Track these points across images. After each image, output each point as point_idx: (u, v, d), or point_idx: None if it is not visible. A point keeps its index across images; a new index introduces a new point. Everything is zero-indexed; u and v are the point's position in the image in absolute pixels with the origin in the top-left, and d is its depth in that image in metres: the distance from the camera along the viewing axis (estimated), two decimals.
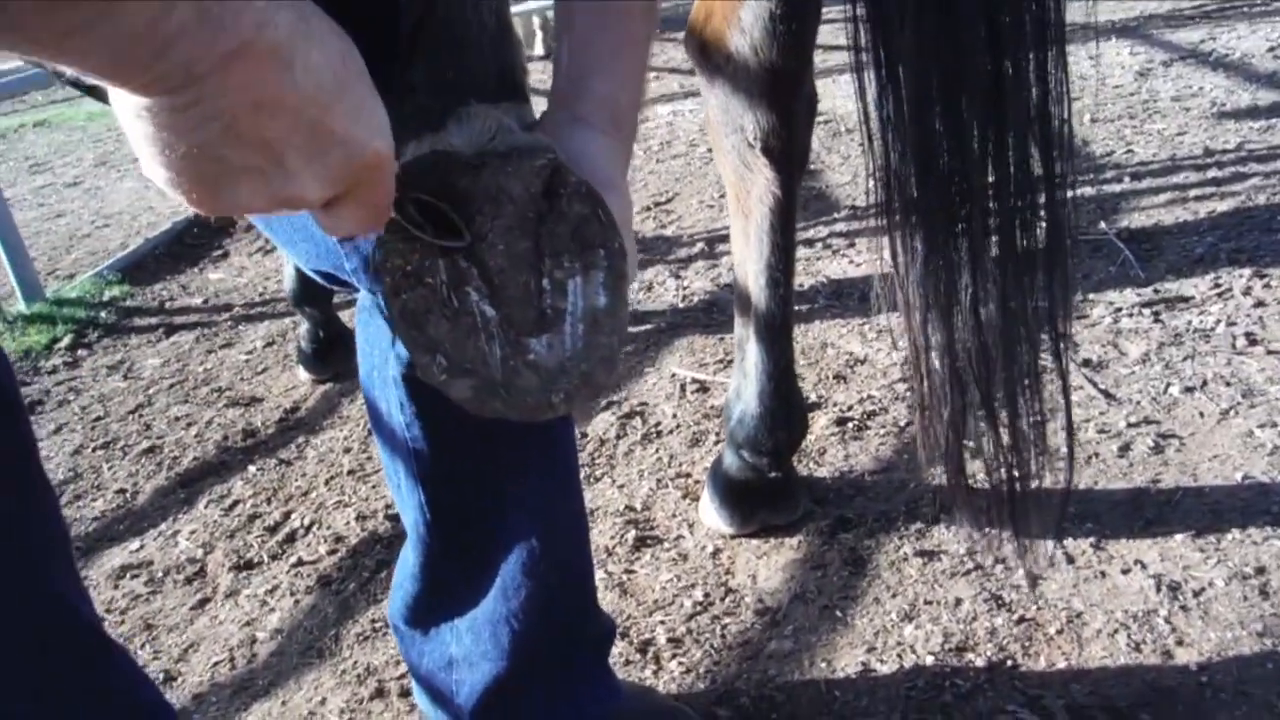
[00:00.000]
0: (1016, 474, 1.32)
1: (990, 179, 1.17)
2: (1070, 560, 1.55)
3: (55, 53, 0.46)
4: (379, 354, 1.08)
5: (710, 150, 4.01)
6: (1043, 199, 1.18)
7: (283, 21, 0.51)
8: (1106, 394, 1.98)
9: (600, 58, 0.82)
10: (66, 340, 3.03)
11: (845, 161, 3.60)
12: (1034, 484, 1.35)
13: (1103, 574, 1.52)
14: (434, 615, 1.20)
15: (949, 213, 1.19)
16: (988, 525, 1.43)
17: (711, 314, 2.63)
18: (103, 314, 3.20)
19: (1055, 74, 1.12)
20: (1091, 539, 1.59)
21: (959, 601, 1.51)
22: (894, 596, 1.54)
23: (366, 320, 1.11)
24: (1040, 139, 1.15)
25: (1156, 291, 2.36)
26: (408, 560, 1.17)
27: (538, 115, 0.84)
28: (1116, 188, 3.00)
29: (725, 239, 3.09)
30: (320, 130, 0.55)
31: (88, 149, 6.05)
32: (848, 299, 2.60)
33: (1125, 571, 1.52)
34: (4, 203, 3.28)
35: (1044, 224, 1.20)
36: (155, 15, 0.46)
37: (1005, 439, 1.30)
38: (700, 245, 3.07)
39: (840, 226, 3.06)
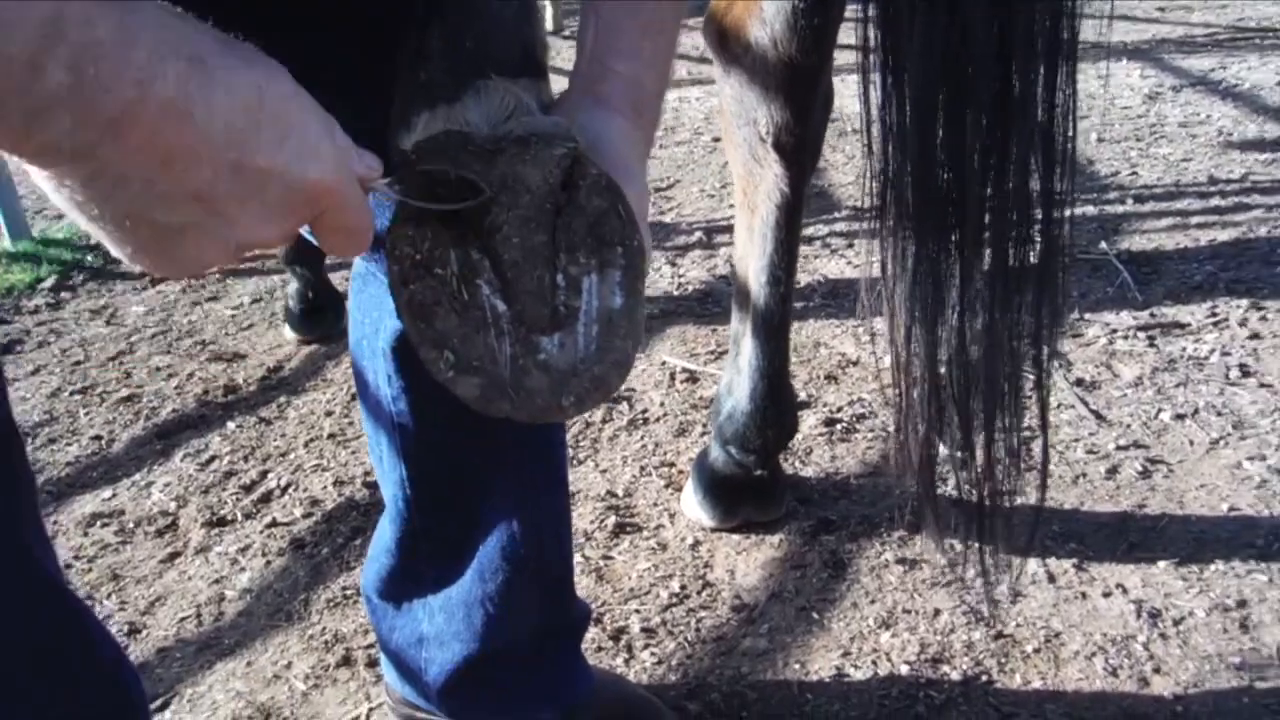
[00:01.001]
0: (988, 490, 1.31)
1: (989, 192, 1.15)
2: (1051, 579, 1.54)
3: None
4: (370, 323, 1.06)
5: (714, 140, 3.98)
6: (1040, 215, 1.17)
7: (169, 73, 0.47)
8: (1097, 415, 1.97)
9: (626, 39, 0.79)
10: (50, 281, 2.98)
11: (850, 161, 3.58)
12: (1007, 501, 1.34)
13: (1083, 595, 1.51)
14: (408, 590, 1.18)
15: (943, 222, 1.18)
16: (959, 539, 1.43)
17: (706, 304, 2.61)
18: (89, 257, 3.16)
19: (1064, 92, 1.10)
20: (1074, 560, 1.58)
21: (937, 612, 1.50)
22: (872, 603, 1.53)
23: (360, 287, 1.09)
24: (1043, 156, 1.13)
25: (1153, 316, 2.35)
26: (385, 533, 1.15)
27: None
28: (1119, 209, 2.99)
29: (724, 229, 3.07)
30: (246, 170, 0.51)
31: None
32: (843, 299, 2.58)
33: (1106, 595, 1.51)
34: None
35: (1040, 241, 1.19)
36: (23, 80, 0.43)
37: (980, 454, 1.29)
38: (699, 234, 3.05)
39: (840, 226, 3.04)
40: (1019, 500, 1.30)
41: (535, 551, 1.10)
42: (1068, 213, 1.12)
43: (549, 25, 6.00)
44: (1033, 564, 1.56)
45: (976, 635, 1.45)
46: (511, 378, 0.68)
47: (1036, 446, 1.28)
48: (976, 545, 1.40)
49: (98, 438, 2.20)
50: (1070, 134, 1.12)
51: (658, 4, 0.78)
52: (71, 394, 2.39)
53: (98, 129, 0.46)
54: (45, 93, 0.44)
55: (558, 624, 1.20)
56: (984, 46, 1.07)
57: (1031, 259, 1.17)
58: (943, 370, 1.25)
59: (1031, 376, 1.24)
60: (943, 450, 1.31)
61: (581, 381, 0.68)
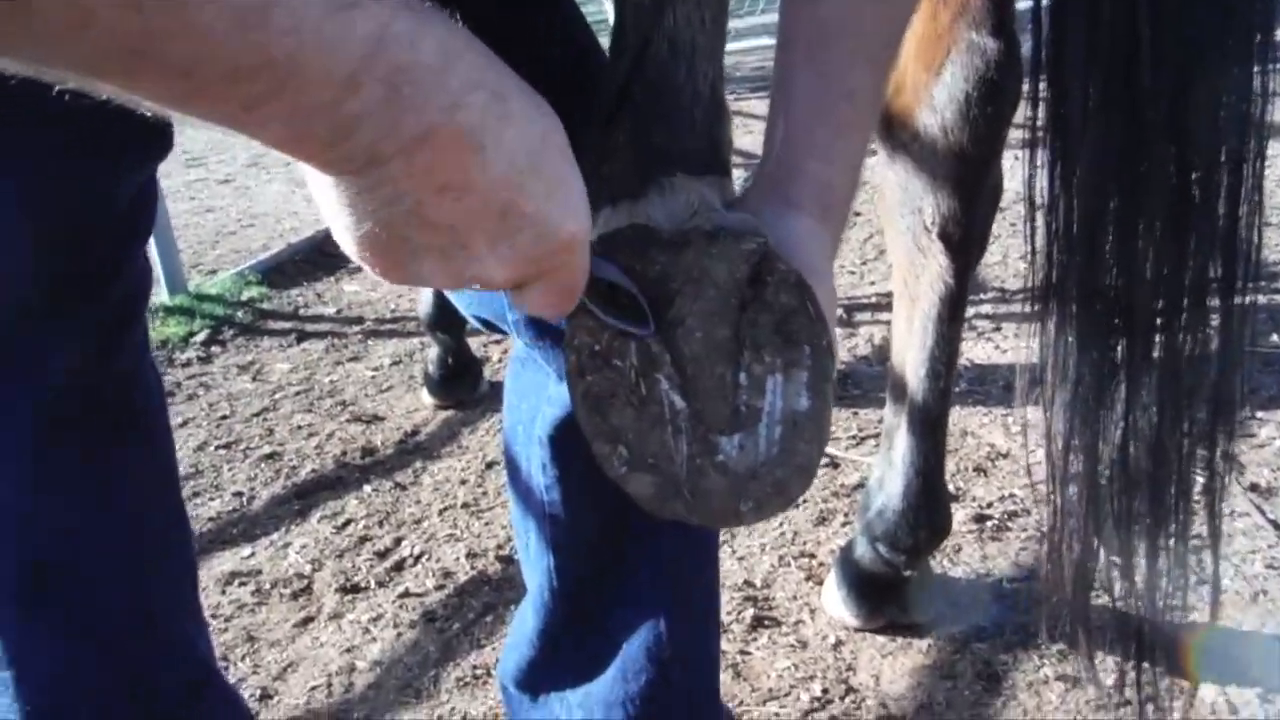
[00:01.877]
0: (1150, 605, 1.21)
1: (1160, 293, 1.08)
2: (1233, 711, 1.41)
3: (235, 123, 0.43)
4: (528, 408, 1.04)
5: (854, 214, 3.92)
6: (1217, 304, 1.08)
7: (475, 103, 0.47)
8: (1276, 525, 1.82)
9: (820, 139, 0.75)
10: (202, 335, 3.09)
11: (995, 240, 3.45)
12: (1173, 618, 1.24)
13: None
14: (547, 683, 1.14)
15: (1109, 322, 1.11)
16: (1119, 658, 1.32)
17: (846, 386, 2.53)
18: (239, 313, 3.27)
19: (1249, 196, 1.02)
20: (1257, 689, 1.44)
21: None
22: None
23: (519, 371, 1.07)
24: (1223, 262, 1.05)
25: None
26: (527, 622, 1.11)
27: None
28: None
29: (864, 308, 2.99)
30: (511, 213, 0.51)
31: (242, 148, 6.25)
32: (991, 385, 2.47)
33: None
34: (161, 195, 3.38)
35: (1214, 336, 1.10)
36: (338, 96, 0.43)
37: (1142, 563, 1.20)
38: (839, 312, 2.98)
39: (986, 309, 2.93)
40: (1187, 619, 1.20)
41: (683, 654, 1.04)
42: (1241, 302, 1.03)
43: None
44: (1211, 692, 1.43)
45: None
46: (688, 478, 0.64)
47: (1207, 557, 1.19)
48: (1138, 667, 1.30)
49: (239, 494, 2.24)
50: (1255, 241, 1.04)
51: (854, 101, 0.74)
52: (217, 448, 2.45)
53: (396, 146, 0.46)
54: (357, 108, 0.44)
55: None
56: (1162, 148, 1.00)
57: (1203, 352, 1.09)
58: (1102, 470, 1.17)
59: (1201, 479, 1.15)
60: (1101, 558, 1.22)
61: (761, 486, 0.64)
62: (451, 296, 1.04)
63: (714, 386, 0.66)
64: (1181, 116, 0.99)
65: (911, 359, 1.47)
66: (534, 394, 1.02)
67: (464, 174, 0.48)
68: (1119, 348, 1.10)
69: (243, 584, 1.92)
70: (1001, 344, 2.69)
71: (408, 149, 0.46)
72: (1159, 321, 1.06)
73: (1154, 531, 1.16)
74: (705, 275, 0.66)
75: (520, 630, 1.14)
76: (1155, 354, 1.06)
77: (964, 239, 1.40)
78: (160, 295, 3.34)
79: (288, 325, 3.21)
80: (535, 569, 1.08)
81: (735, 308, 0.67)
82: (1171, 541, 1.13)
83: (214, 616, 1.83)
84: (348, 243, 0.52)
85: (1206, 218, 1.02)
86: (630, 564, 1.04)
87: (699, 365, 0.66)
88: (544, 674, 1.13)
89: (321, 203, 0.51)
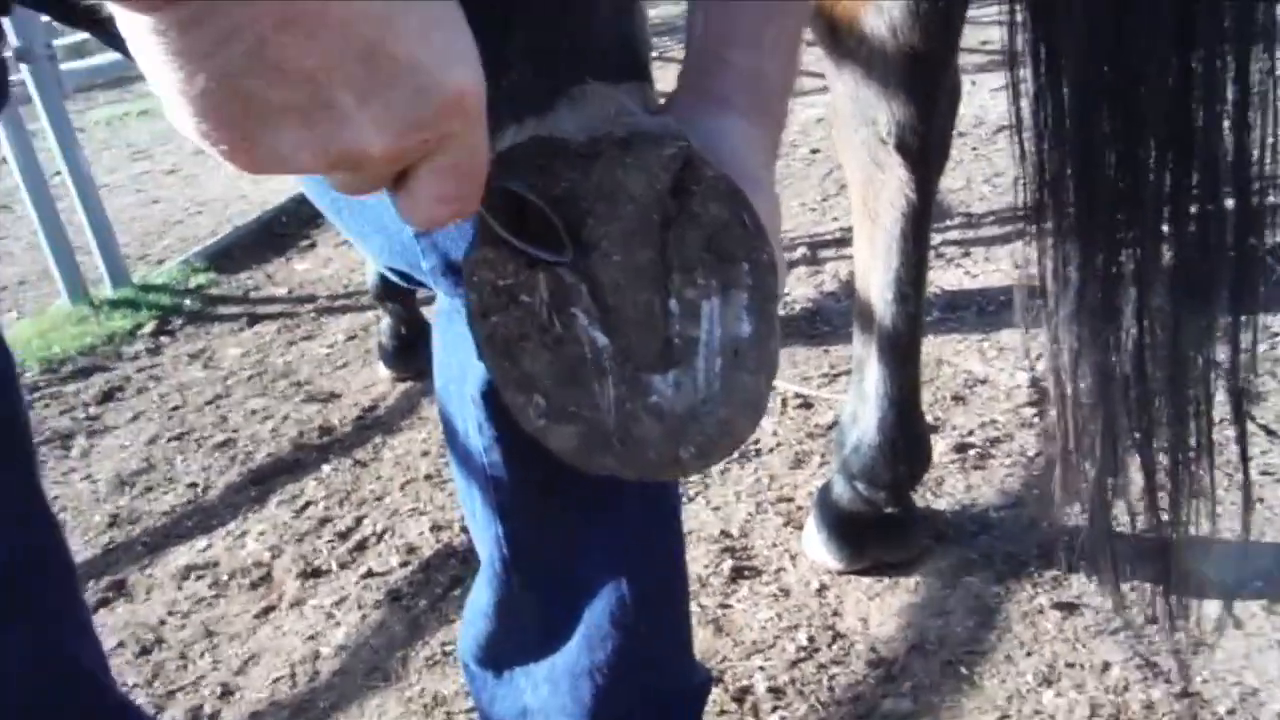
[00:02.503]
0: (1173, 519, 1.15)
1: (1169, 186, 0.99)
2: (1238, 625, 1.34)
3: None
4: (457, 365, 0.94)
5: (812, 151, 3.82)
6: (1232, 205, 1.01)
7: None
8: (1268, 430, 1.76)
9: (745, 24, 0.65)
10: (150, 326, 2.98)
11: (957, 166, 3.37)
12: (1193, 531, 1.18)
13: (1279, 643, 1.31)
14: (509, 657, 1.05)
15: (1114, 221, 1.02)
16: (1136, 579, 1.26)
17: (815, 324, 2.45)
18: (187, 301, 3.15)
19: (1260, 75, 0.93)
20: (1263, 601, 1.38)
21: (1107, 666, 1.32)
22: (1029, 655, 1.35)
23: (445, 325, 0.97)
24: (1235, 146, 0.97)
25: None
26: (481, 595, 1.03)
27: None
28: None
29: (829, 244, 2.91)
30: (379, 56, 0.41)
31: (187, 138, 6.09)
32: (964, 312, 2.40)
33: None
34: (95, 190, 3.26)
35: (1231, 236, 1.02)
36: None
37: (1162, 479, 1.13)
38: (802, 250, 2.89)
39: (954, 235, 2.85)
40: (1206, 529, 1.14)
41: (649, 615, 0.96)
42: (1266, 201, 0.95)
43: None
44: (1213, 607, 1.37)
45: (1156, 693, 1.26)
46: (617, 425, 0.55)
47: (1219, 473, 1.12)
48: (1150, 587, 1.24)
49: (194, 485, 2.14)
50: (1272, 123, 0.96)
51: None
52: (169, 440, 2.35)
53: None
54: None
55: (676, 694, 1.06)
56: (1158, 26, 0.91)
57: (1219, 246, 1.01)
58: (1115, 383, 1.10)
59: (1225, 383, 1.08)
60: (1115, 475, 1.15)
61: (703, 428, 0.55)
62: (363, 248, 0.94)
63: (640, 318, 0.56)
64: (1182, 14, 0.90)
65: (876, 282, 1.39)
66: (461, 348, 0.92)
67: (312, 1, 0.39)
68: (1125, 252, 1.01)
69: (199, 577, 1.83)
70: (971, 269, 2.61)
71: None
72: (1167, 216, 0.97)
73: (1176, 443, 1.09)
74: (620, 189, 0.57)
75: (476, 604, 1.06)
76: (1165, 256, 0.98)
77: (923, 148, 1.31)
78: (104, 290, 3.22)
79: (238, 309, 3.10)
80: (484, 538, 0.99)
81: (658, 224, 0.57)
82: (1194, 453, 1.06)
83: (171, 614, 1.74)
84: (183, 115, 0.42)
85: (1211, 97, 0.94)
86: (587, 525, 0.95)
87: (621, 294, 0.56)
88: (505, 648, 1.05)
89: (146, 68, 0.41)
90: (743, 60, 0.65)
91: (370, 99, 0.41)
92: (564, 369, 0.55)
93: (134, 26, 0.39)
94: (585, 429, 0.55)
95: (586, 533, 0.94)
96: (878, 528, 1.52)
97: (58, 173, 3.28)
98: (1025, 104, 1.03)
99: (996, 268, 2.60)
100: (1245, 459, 1.09)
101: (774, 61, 0.66)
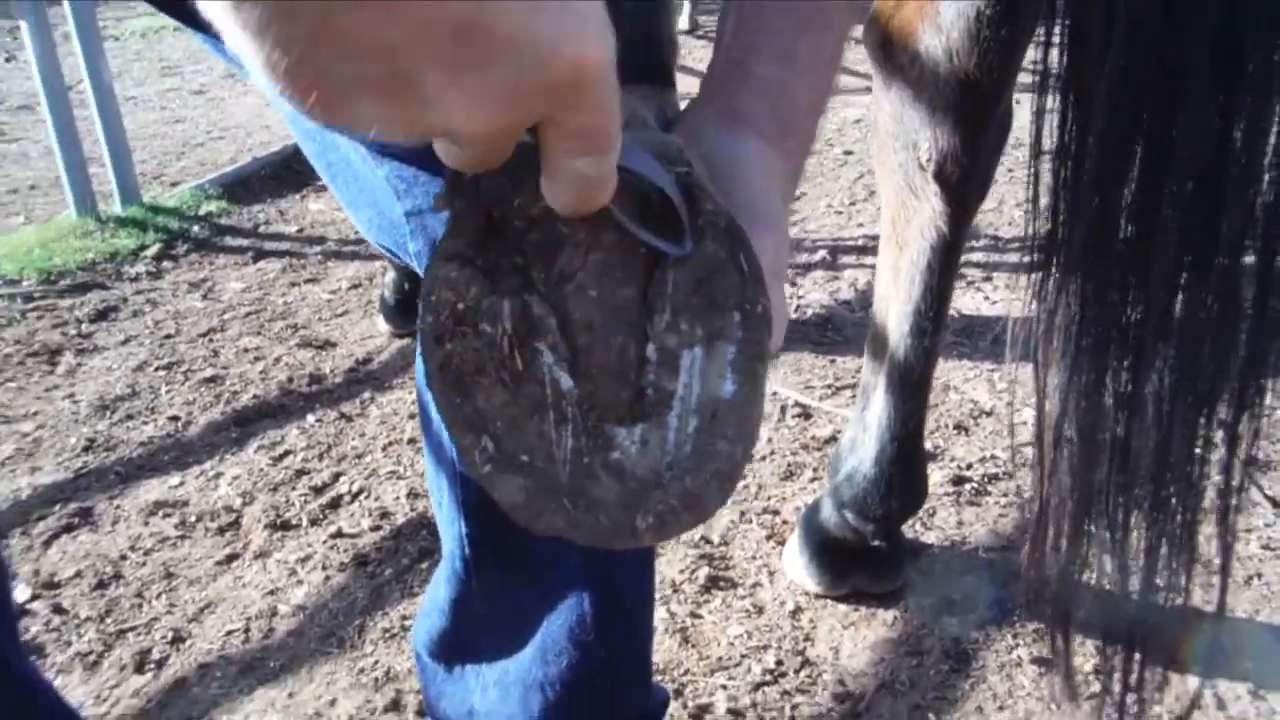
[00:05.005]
0: (1148, 586, 1.10)
1: (1194, 228, 0.94)
2: (1222, 706, 1.30)
3: None
4: None
5: (846, 153, 3.75)
6: (1256, 261, 0.95)
7: None
8: (1275, 502, 1.71)
9: (777, 34, 0.58)
10: (154, 249, 2.93)
11: (992, 186, 3.30)
12: (1172, 601, 1.13)
13: None
14: (460, 655, 1.01)
15: (1128, 262, 0.97)
16: (1104, 644, 1.21)
17: (825, 331, 2.40)
18: (195, 228, 3.10)
19: None
20: (1248, 684, 1.33)
21: None
22: (1001, 709, 1.31)
23: None
24: (1263, 230, 0.91)
25: None
26: (439, 590, 0.98)
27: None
28: None
29: (850, 250, 2.85)
30: (473, 32, 0.35)
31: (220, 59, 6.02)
32: (978, 339, 2.34)
33: None
34: (115, 102, 3.20)
35: (1253, 292, 0.96)
36: None
37: (1140, 540, 1.08)
38: (822, 254, 2.83)
39: (978, 256, 2.79)
40: (1180, 602, 1.09)
41: (608, 636, 0.91)
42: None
43: (683, 24, 5.67)
44: (1195, 683, 1.32)
45: None
46: (570, 481, 0.48)
47: (1203, 535, 1.07)
48: (1126, 656, 1.19)
49: (175, 418, 2.10)
50: None
51: None
52: (156, 369, 2.31)
53: None
54: None
55: (629, 715, 1.01)
56: (1201, 86, 0.85)
57: (1232, 320, 0.96)
58: (1101, 448, 1.05)
59: (1216, 477, 1.03)
60: (1091, 541, 1.10)
61: (667, 496, 0.48)
62: (354, 219, 0.88)
63: (612, 362, 0.50)
64: (1227, 50, 0.84)
65: (895, 312, 1.33)
66: None
67: None
68: (1130, 310, 0.96)
69: (167, 515, 1.79)
70: (991, 295, 2.55)
71: None
72: (1182, 282, 0.91)
73: (1154, 517, 1.04)
74: (604, 215, 0.49)
75: (433, 597, 1.01)
76: (1174, 320, 0.92)
77: (963, 180, 1.25)
78: (113, 206, 3.17)
79: (245, 242, 3.05)
80: (448, 533, 0.95)
81: (645, 259, 0.52)
82: (1174, 529, 1.01)
83: (133, 549, 1.70)
84: (258, 75, 0.36)
85: (1249, 169, 0.88)
86: (553, 535, 0.91)
87: (593, 334, 0.50)
88: (457, 646, 1.01)
89: (221, 27, 0.35)
90: (770, 74, 0.58)
91: (462, 78, 0.36)
92: (520, 411, 0.49)
93: None
94: (534, 483, 0.48)
95: (553, 543, 0.89)
96: (862, 557, 1.47)
97: (81, 80, 3.22)
98: (1049, 129, 0.98)
99: (1017, 296, 2.54)
100: (1231, 534, 1.04)
101: (805, 79, 0.60)
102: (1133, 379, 1.00)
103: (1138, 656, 1.16)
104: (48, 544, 1.71)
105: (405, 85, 0.36)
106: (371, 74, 0.35)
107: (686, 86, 0.58)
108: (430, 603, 1.02)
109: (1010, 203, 3.11)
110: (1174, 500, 1.04)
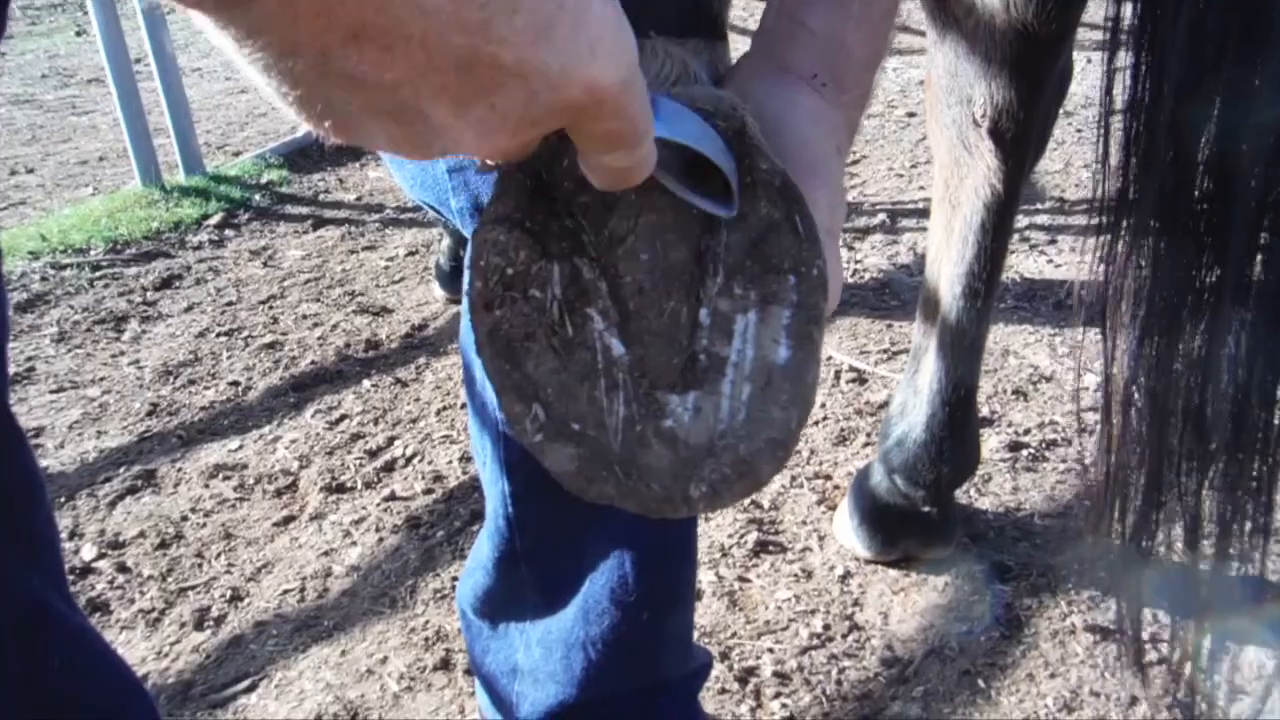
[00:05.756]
0: (1221, 556, 1.07)
1: (1273, 188, 0.90)
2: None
3: None
4: None
5: (909, 114, 3.68)
6: None
7: None
8: None
9: None
10: (217, 218, 2.98)
11: (1058, 147, 3.22)
12: (1246, 570, 1.09)
13: None
14: (505, 612, 1.02)
15: (1203, 224, 0.93)
16: (1175, 616, 1.18)
17: (883, 296, 2.36)
18: (257, 196, 3.14)
19: None
20: None
21: (1134, 701, 1.24)
22: (1053, 677, 1.29)
23: None
24: None
25: None
26: (483, 549, 0.99)
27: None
28: None
29: (910, 214, 2.80)
30: (478, 64, 0.34)
31: None
32: (1040, 303, 2.29)
33: None
34: (178, 73, 3.24)
35: None
36: None
37: (1212, 509, 1.05)
38: (881, 217, 2.78)
39: (1042, 219, 2.72)
40: (1252, 573, 1.06)
41: (650, 597, 0.91)
42: None
43: None
44: (1255, 654, 1.28)
45: None
46: (622, 449, 0.48)
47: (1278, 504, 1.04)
48: (1190, 623, 1.16)
49: (235, 383, 2.14)
50: None
51: None
52: (218, 335, 2.35)
53: None
54: None
55: (670, 676, 1.01)
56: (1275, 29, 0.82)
57: None
58: (1171, 416, 1.01)
59: None
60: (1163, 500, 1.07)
61: (720, 465, 0.47)
62: (397, 175, 0.88)
63: (664, 327, 0.50)
64: None
65: (947, 273, 1.30)
66: None
67: (381, 9, 0.32)
68: (1205, 272, 0.92)
69: (227, 478, 1.83)
70: (1055, 258, 2.49)
71: None
72: (1262, 241, 0.87)
73: (1227, 486, 1.01)
74: (656, 177, 0.48)
75: (478, 555, 1.02)
76: (1251, 282, 0.89)
77: (1019, 137, 1.21)
78: (177, 176, 3.23)
79: (305, 210, 3.09)
80: (491, 493, 0.95)
81: (697, 220, 0.51)
82: (1248, 499, 0.98)
83: (194, 510, 1.74)
84: (279, 101, 0.37)
85: None
86: None
87: (644, 298, 0.50)
88: (501, 604, 1.02)
89: (232, 59, 0.36)
90: (823, 26, 0.57)
91: (470, 109, 0.36)
92: (570, 378, 0.48)
93: (203, 22, 0.34)
94: (586, 451, 0.47)
95: (594, 505, 0.89)
96: (913, 521, 1.45)
97: (148, 54, 3.28)
98: (1121, 85, 0.94)
99: (1082, 260, 2.48)
100: None
101: (860, 31, 0.58)
102: (1207, 344, 0.96)
103: (1207, 628, 1.13)
104: (113, 505, 1.76)
105: (414, 115, 0.36)
106: (379, 105, 0.35)
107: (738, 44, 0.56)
108: (475, 561, 1.02)
109: (1078, 163, 3.03)
110: (1249, 469, 1.01)
